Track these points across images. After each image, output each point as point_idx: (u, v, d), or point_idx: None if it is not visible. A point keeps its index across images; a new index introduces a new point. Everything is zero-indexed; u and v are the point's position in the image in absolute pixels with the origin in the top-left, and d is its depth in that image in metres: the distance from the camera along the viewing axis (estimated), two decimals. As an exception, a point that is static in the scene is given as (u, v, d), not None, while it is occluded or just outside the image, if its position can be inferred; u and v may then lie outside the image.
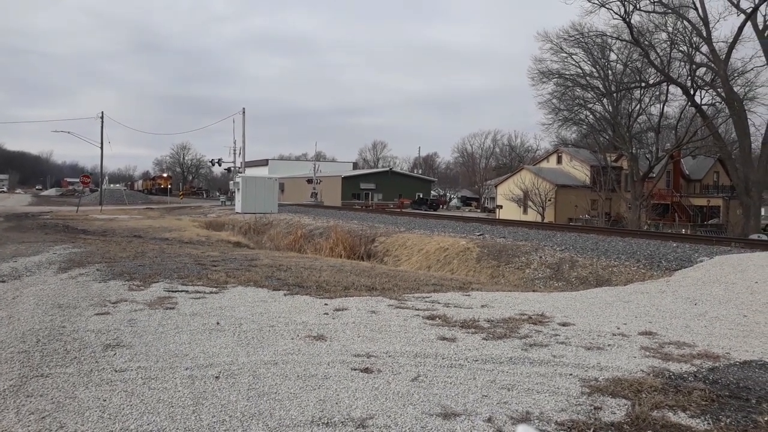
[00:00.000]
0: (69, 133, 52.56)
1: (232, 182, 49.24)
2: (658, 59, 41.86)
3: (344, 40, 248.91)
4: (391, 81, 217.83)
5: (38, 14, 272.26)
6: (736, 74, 39.83)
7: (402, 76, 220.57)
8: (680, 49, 41.26)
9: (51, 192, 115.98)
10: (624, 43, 43.29)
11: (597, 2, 39.72)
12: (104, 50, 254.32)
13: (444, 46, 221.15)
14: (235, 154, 53.90)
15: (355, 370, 5.13)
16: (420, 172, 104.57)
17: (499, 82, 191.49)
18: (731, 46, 37.68)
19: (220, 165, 58.81)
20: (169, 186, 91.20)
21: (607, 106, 47.02)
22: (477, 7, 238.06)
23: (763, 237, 27.42)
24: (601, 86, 46.44)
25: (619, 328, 7.01)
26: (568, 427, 4.00)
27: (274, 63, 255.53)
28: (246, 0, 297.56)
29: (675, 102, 48.03)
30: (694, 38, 39.74)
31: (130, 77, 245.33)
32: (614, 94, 45.60)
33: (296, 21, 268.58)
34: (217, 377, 4.87)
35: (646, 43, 41.36)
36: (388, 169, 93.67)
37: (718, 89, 39.34)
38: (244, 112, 51.06)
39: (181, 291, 8.75)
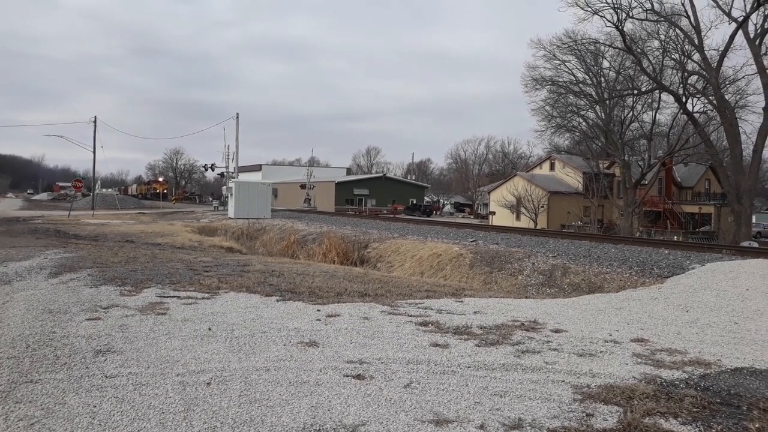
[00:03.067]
0: (61, 137, 52.43)
1: (225, 187, 49.15)
2: (651, 67, 42.11)
3: (344, 47, 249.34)
4: (388, 87, 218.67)
5: (38, 18, 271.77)
6: (727, 82, 40.08)
7: (399, 83, 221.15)
8: (672, 56, 41.52)
9: (42, 196, 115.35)
10: (617, 50, 43.51)
11: (590, 10, 39.91)
12: (103, 55, 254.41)
13: (442, 53, 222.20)
14: (228, 159, 53.80)
15: (347, 376, 5.12)
16: (413, 178, 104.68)
17: (495, 89, 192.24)
18: (723, 54, 37.94)
19: (213, 170, 58.62)
20: (165, 191, 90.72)
21: (599, 114, 47.22)
22: (477, 15, 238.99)
23: (754, 244, 27.56)
24: (593, 93, 46.64)
25: (611, 335, 7.03)
26: (560, 434, 4.00)
27: (273, 69, 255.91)
28: (247, 6, 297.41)
29: (667, 109, 48.21)
30: (686, 46, 40.01)
31: (128, 82, 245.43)
32: (607, 102, 45.78)
33: (297, 27, 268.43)
34: (208, 383, 4.85)
35: (639, 50, 41.60)
36: (381, 174, 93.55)
37: (710, 97, 39.56)
38: (237, 117, 51.02)
39: (173, 296, 8.71)
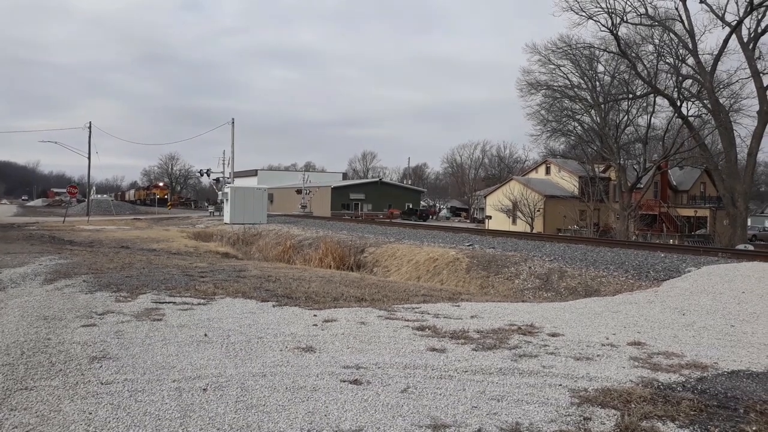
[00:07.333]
0: (56, 143, 52.22)
1: (220, 192, 49.10)
2: (645, 71, 42.28)
3: (349, 54, 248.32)
4: (387, 93, 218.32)
5: (47, 26, 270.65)
6: (721, 86, 40.27)
7: (398, 88, 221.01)
8: (667, 61, 41.72)
9: (37, 202, 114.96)
10: (611, 54, 43.71)
11: (584, 15, 40.16)
12: (110, 62, 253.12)
13: (440, 59, 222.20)
14: (224, 164, 53.69)
15: (344, 381, 5.11)
16: (409, 182, 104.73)
17: (491, 94, 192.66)
18: (717, 59, 38.13)
19: (208, 175, 58.41)
20: (165, 196, 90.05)
21: (594, 118, 47.35)
22: (478, 21, 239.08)
23: (750, 247, 27.63)
24: (588, 97, 46.77)
25: (608, 339, 7.03)
26: (558, 438, 4.00)
27: (277, 75, 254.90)
28: (254, 14, 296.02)
29: (662, 113, 48.50)
30: (681, 50, 40.21)
31: (133, 88, 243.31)
32: (602, 106, 45.91)
33: (303, 34, 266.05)
34: (204, 389, 4.83)
35: (633, 55, 41.77)
36: (377, 179, 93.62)
37: (705, 101, 39.74)
38: (233, 123, 50.96)
39: (169, 302, 8.68)
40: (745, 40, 36.15)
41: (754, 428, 4.20)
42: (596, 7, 39.70)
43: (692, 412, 4.46)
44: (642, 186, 46.98)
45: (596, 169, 50.31)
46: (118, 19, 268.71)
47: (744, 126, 48.26)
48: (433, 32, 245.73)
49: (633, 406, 4.57)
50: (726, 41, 37.23)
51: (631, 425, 4.17)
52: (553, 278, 14.71)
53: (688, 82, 41.63)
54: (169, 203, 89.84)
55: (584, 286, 13.80)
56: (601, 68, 46.34)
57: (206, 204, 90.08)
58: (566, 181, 55.65)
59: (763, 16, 35.88)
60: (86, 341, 6.29)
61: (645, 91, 43.78)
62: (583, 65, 45.74)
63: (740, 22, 36.01)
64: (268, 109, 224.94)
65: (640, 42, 42.34)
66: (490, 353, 6.15)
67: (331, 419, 4.25)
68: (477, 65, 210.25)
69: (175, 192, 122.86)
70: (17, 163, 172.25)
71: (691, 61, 39.94)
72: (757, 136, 35.93)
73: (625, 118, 47.29)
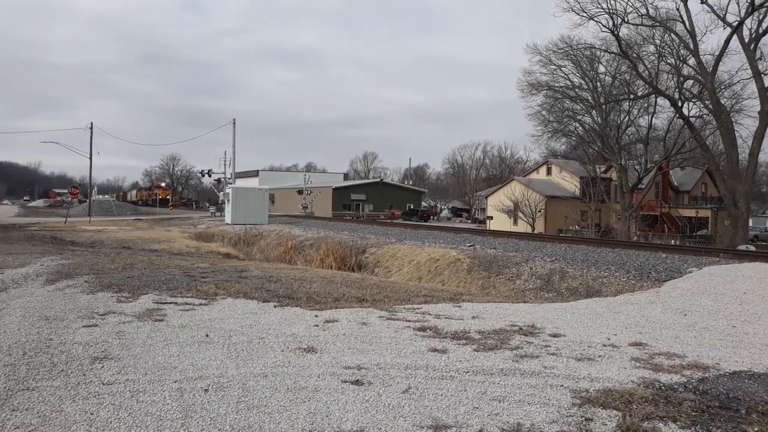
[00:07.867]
0: (57, 143, 52.26)
1: (222, 193, 49.10)
2: (646, 71, 42.26)
3: (350, 55, 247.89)
4: (387, 93, 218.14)
5: (49, 26, 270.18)
6: (723, 86, 40.23)
7: (399, 89, 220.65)
8: (668, 61, 41.70)
9: (39, 203, 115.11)
10: (612, 55, 43.71)
11: (585, 15, 40.14)
12: (110, 62, 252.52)
13: (442, 59, 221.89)
14: (225, 164, 53.72)
15: (345, 382, 5.11)
16: (411, 183, 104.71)
17: (492, 94, 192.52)
18: (718, 59, 38.11)
19: (210, 176, 58.33)
20: (167, 197, 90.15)
21: (596, 118, 47.34)
22: (481, 21, 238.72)
23: (751, 248, 27.59)
24: (590, 98, 46.75)
25: (609, 339, 7.03)
26: (560, 439, 4.00)
27: (277, 75, 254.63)
28: (254, 14, 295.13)
29: (663, 114, 48.47)
30: (682, 51, 40.18)
31: (134, 89, 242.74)
32: (603, 106, 45.90)
33: (304, 35, 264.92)
34: (206, 390, 4.83)
35: (634, 55, 41.75)
36: (378, 180, 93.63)
37: (706, 101, 39.72)
38: (234, 123, 50.98)
39: (170, 303, 8.69)
40: (747, 40, 36.12)
41: (755, 429, 4.20)
42: (597, 7, 39.74)
43: (694, 413, 4.46)
44: (643, 186, 46.96)
45: (597, 170, 50.28)
46: (119, 19, 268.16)
47: (745, 126, 48.25)
48: (433, 32, 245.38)
49: (634, 406, 4.57)
50: (727, 42, 37.23)
51: (633, 426, 4.17)
52: (555, 279, 14.71)
53: (690, 82, 41.62)
54: (170, 204, 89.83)
55: (585, 286, 13.80)
56: (602, 69, 46.41)
57: (207, 204, 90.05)
58: (567, 181, 55.62)
59: (765, 16, 35.89)
60: (88, 342, 6.30)
61: (646, 91, 43.77)
62: (584, 66, 45.74)
63: (741, 23, 35.99)
64: (269, 110, 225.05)
65: (641, 42, 42.37)
66: (492, 354, 6.15)
67: (333, 420, 4.25)
68: (477, 65, 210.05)
69: (176, 192, 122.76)
70: (18, 164, 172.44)
71: (692, 61, 39.95)
72: (758, 137, 35.90)
73: (626, 118, 47.35)
